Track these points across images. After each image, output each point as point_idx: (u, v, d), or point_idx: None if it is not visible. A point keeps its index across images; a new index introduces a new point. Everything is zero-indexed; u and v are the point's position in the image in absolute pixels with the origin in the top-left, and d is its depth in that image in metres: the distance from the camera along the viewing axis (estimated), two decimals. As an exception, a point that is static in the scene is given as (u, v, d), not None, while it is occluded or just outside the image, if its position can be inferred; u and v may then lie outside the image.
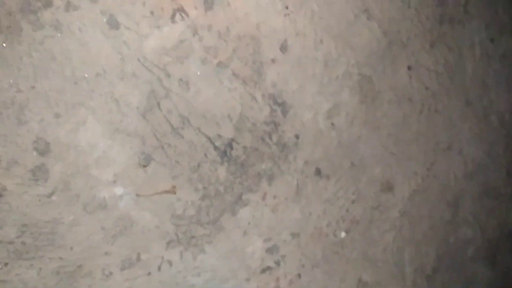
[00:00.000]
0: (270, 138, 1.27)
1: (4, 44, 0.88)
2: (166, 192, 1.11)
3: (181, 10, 1.09)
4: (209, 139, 1.16)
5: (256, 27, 1.22)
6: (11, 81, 0.89)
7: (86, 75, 0.98)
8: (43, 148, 0.95)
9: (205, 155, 1.16)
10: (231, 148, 1.20)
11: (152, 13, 1.05)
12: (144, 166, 1.07)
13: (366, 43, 1.45)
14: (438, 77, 1.68)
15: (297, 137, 1.33)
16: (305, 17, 1.31)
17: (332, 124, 1.41)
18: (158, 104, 1.08)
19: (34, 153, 0.94)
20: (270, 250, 1.29)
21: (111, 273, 1.05)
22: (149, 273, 1.10)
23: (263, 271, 1.28)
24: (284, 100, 1.30)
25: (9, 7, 0.89)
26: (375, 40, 1.48)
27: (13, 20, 0.89)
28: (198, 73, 1.13)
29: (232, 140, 1.20)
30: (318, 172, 1.39)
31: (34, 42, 0.92)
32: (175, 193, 1.12)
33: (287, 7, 1.27)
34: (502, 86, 1.98)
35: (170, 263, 1.13)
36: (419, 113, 1.65)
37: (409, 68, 1.59)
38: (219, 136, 1.18)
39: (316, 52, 1.35)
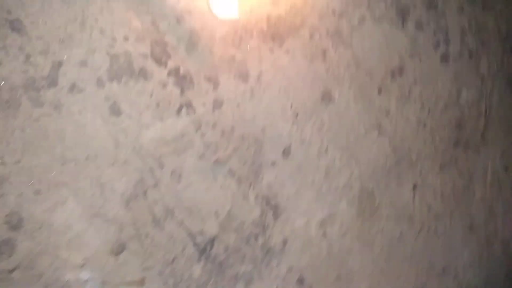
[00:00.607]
0: (256, 240, 1.24)
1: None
2: (134, 283, 1.07)
3: (188, 105, 1.09)
4: (190, 233, 1.12)
5: (262, 130, 1.21)
6: (-3, 152, 0.89)
7: (76, 157, 0.97)
8: (15, 223, 0.93)
9: (183, 250, 1.12)
10: (212, 246, 1.16)
11: (158, 104, 1.05)
12: (116, 253, 1.04)
13: (373, 157, 1.43)
14: (443, 199, 1.63)
15: (284, 242, 1.29)
16: (314, 126, 1.30)
17: (324, 233, 1.37)
18: (145, 193, 1.06)
19: (5, 226, 0.92)
20: None
21: None
22: None
23: None
24: (277, 203, 1.27)
25: (13, 82, 0.89)
26: (383, 156, 1.45)
27: (13, 95, 0.89)
28: (193, 167, 1.11)
29: (215, 237, 1.17)
30: (301, 281, 1.34)
31: (29, 118, 0.92)
32: (143, 286, 1.08)
33: (297, 115, 1.26)
34: (510, 215, 1.92)
35: None
36: (418, 232, 1.59)
37: (414, 186, 1.55)
38: (202, 232, 1.14)
39: (319, 160, 1.33)
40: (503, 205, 1.92)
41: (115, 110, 1.01)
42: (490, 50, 1.69)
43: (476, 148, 1.74)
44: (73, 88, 0.96)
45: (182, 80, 1.08)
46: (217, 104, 1.14)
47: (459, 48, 1.61)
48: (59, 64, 0.93)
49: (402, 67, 1.46)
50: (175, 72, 1.07)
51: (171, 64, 1.07)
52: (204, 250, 1.16)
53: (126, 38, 1.01)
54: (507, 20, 1.69)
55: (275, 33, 1.20)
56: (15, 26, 0.88)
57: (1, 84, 0.87)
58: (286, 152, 1.26)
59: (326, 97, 1.32)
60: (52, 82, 0.93)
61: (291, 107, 1.26)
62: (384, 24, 1.40)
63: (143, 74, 1.04)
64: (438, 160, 1.60)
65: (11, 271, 0.93)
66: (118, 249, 1.04)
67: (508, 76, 1.77)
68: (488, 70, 1.71)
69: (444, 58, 1.57)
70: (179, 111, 1.09)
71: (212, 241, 1.17)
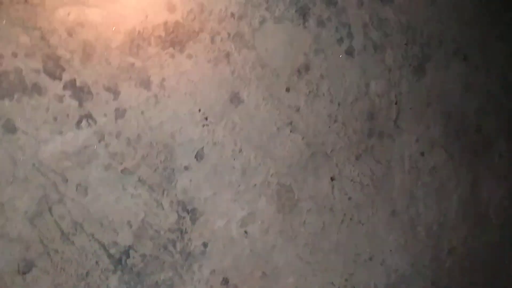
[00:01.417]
0: (174, 246, 1.24)
1: None
2: (46, 301, 1.06)
3: (88, 116, 1.08)
4: (103, 246, 1.12)
5: (171, 135, 1.22)
6: None
7: (-31, 179, 0.94)
8: None
9: (96, 262, 1.11)
10: (128, 256, 1.16)
11: (55, 119, 1.04)
12: (24, 273, 1.02)
13: (287, 154, 1.47)
14: (363, 188, 1.70)
15: (205, 245, 1.31)
16: (225, 128, 1.32)
17: (246, 232, 1.40)
18: (50, 209, 1.05)
19: None
20: None
21: None
22: None
23: None
24: (194, 207, 1.28)
25: None
26: (297, 151, 1.50)
27: None
28: (100, 179, 1.10)
29: (130, 247, 1.17)
30: (225, 281, 1.35)
31: None
32: (56, 303, 1.07)
33: (206, 118, 1.28)
34: (431, 198, 2.02)
35: None
36: (340, 223, 1.65)
37: (332, 179, 1.61)
38: (115, 243, 1.14)
39: (234, 161, 1.35)
40: (423, 189, 2.02)
41: (10, 128, 1.00)
42: (393, 42, 1.79)
43: (391, 137, 1.82)
44: (-42, 108, 0.94)
45: (80, 92, 1.08)
46: (120, 113, 1.14)
47: (363, 42, 1.69)
48: None
49: (308, 64, 1.52)
50: (70, 84, 1.07)
51: (66, 77, 1.07)
52: (120, 261, 1.15)
53: (14, 55, 1.00)
54: (406, 12, 1.80)
55: (174, 39, 1.22)
56: None
57: None
58: (199, 156, 1.28)
59: (235, 99, 1.35)
60: None
61: (199, 110, 1.28)
62: (285, 23, 1.45)
63: (36, 89, 1.03)
64: (353, 151, 1.67)
65: None
66: (25, 268, 1.02)
67: (413, 65, 1.88)
68: (394, 61, 1.80)
69: (349, 52, 1.65)
70: (78, 123, 1.09)
71: (127, 251, 1.16)
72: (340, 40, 1.59)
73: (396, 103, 1.82)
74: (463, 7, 1.99)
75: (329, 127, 1.59)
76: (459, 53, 2.04)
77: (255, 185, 1.41)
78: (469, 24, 2.03)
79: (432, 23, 1.89)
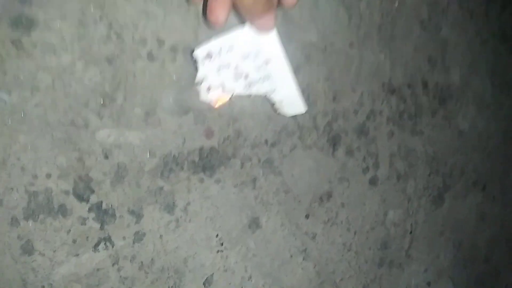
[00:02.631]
0: None
1: None
2: None
3: (107, 239, 1.07)
4: None
5: (184, 260, 1.20)
6: None
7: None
8: None
9: None
10: None
11: (74, 241, 1.02)
12: None
13: (296, 282, 1.44)
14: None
15: None
16: (239, 254, 1.30)
17: None
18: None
19: None
20: None
21: None
22: None
23: None
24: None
25: None
26: (307, 280, 1.47)
27: None
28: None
29: None
30: None
31: None
32: None
33: (222, 244, 1.26)
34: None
35: None
36: None
37: (336, 307, 1.57)
38: None
39: None
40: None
41: (28, 249, 0.98)
42: (417, 172, 1.79)
43: (401, 266, 1.80)
44: (-17, 228, 0.92)
45: (103, 214, 1.07)
46: (138, 237, 1.12)
47: (388, 172, 1.69)
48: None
49: (331, 192, 1.51)
50: (96, 207, 1.06)
51: (93, 199, 1.06)
52: None
53: (48, 176, 0.99)
54: (433, 143, 1.81)
55: (207, 164, 1.22)
56: None
57: None
58: (207, 282, 1.25)
59: (253, 224, 1.34)
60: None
61: (216, 236, 1.26)
62: (314, 151, 1.45)
63: (62, 211, 1.02)
64: (361, 281, 1.64)
65: None
66: None
67: (433, 195, 1.87)
68: (415, 191, 1.79)
69: (373, 182, 1.64)
70: (96, 246, 1.07)
71: None
72: (365, 170, 1.59)
73: (410, 232, 1.80)
74: (488, 138, 2.00)
75: (342, 255, 1.56)
76: (479, 183, 2.04)
77: (259, 311, 1.38)
78: (491, 155, 2.04)
79: (456, 155, 1.89)
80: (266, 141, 1.35)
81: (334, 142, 1.52)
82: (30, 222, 0.98)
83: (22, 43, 0.94)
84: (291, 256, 1.43)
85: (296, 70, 1.36)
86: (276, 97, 0.86)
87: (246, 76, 0.80)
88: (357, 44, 1.48)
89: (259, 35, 0.73)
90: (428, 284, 1.96)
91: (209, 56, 0.76)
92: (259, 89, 0.83)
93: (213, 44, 0.75)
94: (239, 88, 0.82)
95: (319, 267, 1.51)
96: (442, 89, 1.79)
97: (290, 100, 0.86)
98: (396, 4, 1.50)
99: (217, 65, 0.77)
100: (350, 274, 1.61)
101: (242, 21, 0.73)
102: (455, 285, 2.06)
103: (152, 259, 1.15)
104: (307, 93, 1.39)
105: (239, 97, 1.25)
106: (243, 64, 0.78)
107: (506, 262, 2.17)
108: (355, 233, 1.61)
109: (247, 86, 0.82)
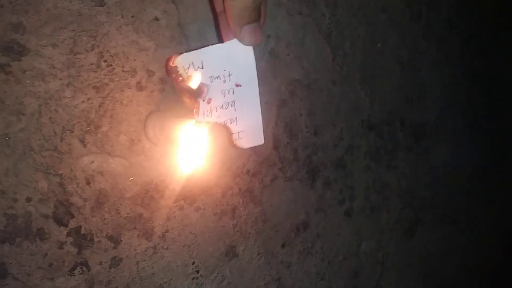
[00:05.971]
0: None
1: None
2: None
3: (84, 264, 1.07)
4: None
5: (159, 287, 1.20)
6: None
7: None
8: None
9: None
10: None
11: (50, 265, 1.02)
12: None
13: (269, 311, 1.46)
14: None
15: None
16: (214, 282, 1.31)
17: None
18: None
19: None
20: None
21: None
22: None
23: None
24: None
25: None
26: (279, 308, 1.48)
27: None
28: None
29: None
30: None
31: None
32: None
33: (197, 271, 1.27)
34: None
35: None
36: None
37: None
38: None
39: (215, 314, 1.33)
40: None
41: (1, 273, 0.97)
42: (390, 205, 1.84)
43: (371, 296, 1.83)
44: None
45: (82, 239, 1.07)
46: (115, 262, 1.13)
47: (363, 204, 1.74)
48: None
49: (307, 222, 1.55)
50: (75, 231, 1.06)
51: (73, 223, 1.06)
52: None
53: (28, 200, 0.99)
54: (407, 178, 1.86)
55: (188, 192, 1.23)
56: None
57: None
58: (181, 309, 1.26)
59: (230, 252, 1.35)
60: None
61: (193, 263, 1.27)
62: (294, 182, 1.49)
63: (40, 234, 1.01)
64: (332, 311, 1.67)
65: None
66: None
67: (404, 226, 1.92)
68: (387, 223, 1.84)
69: (348, 213, 1.68)
70: (72, 270, 1.07)
71: None
72: (342, 201, 1.63)
73: (382, 263, 1.84)
74: (459, 175, 2.07)
75: (315, 284, 1.59)
76: (448, 216, 2.10)
77: None
78: (461, 190, 2.11)
79: (429, 189, 1.95)
80: (248, 171, 1.37)
81: (313, 174, 1.56)
82: (6, 245, 0.97)
83: (11, 67, 0.95)
84: (265, 284, 1.45)
85: (281, 105, 1.40)
86: (236, 127, 0.80)
87: (209, 100, 0.75)
88: (339, 82, 1.53)
89: (245, 45, 0.67)
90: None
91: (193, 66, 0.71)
92: (220, 115, 0.77)
93: (185, 56, 0.70)
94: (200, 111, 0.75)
95: (292, 296, 1.53)
96: (418, 127, 1.86)
97: (251, 130, 0.80)
98: (379, 45, 1.56)
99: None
100: (322, 304, 1.64)
101: (220, 39, 0.72)
102: (422, 316, 2.10)
103: (127, 284, 1.15)
104: (289, 126, 1.43)
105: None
106: (210, 85, 0.73)
107: (472, 292, 2.23)
108: (328, 262, 1.65)
109: (208, 111, 0.76)
